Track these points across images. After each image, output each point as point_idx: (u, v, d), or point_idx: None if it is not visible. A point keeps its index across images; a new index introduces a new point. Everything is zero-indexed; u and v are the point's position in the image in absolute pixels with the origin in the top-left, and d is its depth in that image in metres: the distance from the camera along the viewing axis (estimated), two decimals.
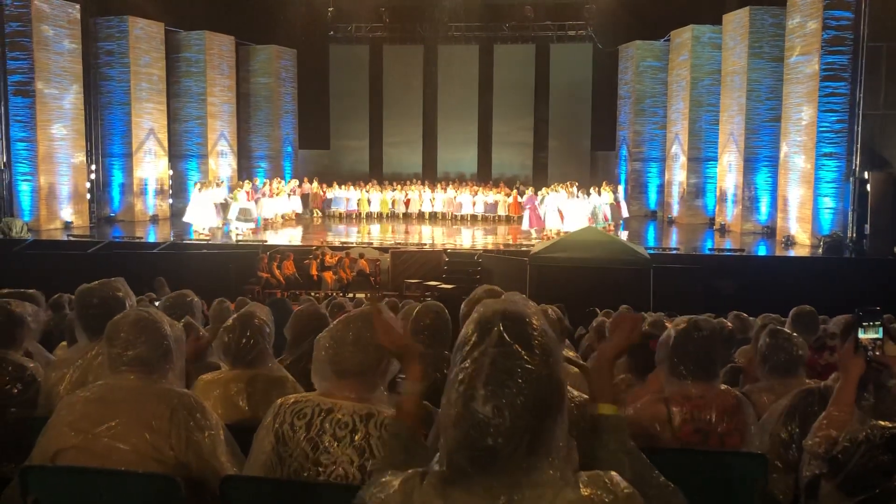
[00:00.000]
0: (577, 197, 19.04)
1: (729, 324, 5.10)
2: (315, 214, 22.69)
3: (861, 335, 2.32)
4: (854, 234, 15.80)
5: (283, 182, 22.01)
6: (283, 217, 20.91)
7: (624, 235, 18.34)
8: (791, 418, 2.68)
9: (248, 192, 19.06)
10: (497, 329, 1.30)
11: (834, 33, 16.04)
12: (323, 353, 2.11)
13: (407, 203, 22.61)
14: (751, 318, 6.77)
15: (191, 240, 17.30)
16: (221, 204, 18.50)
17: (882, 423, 2.02)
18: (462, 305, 2.81)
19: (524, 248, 16.00)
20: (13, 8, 17.92)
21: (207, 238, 17.54)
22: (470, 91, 25.33)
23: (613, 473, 1.33)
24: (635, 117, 23.02)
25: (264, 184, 20.80)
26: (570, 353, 5.19)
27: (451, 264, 15.59)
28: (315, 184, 23.00)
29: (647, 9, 21.31)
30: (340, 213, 22.60)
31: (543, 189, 19.64)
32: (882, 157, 15.81)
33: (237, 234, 18.15)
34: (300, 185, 22.68)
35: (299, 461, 2.04)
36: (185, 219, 18.46)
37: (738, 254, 16.11)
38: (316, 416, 2.05)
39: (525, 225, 19.27)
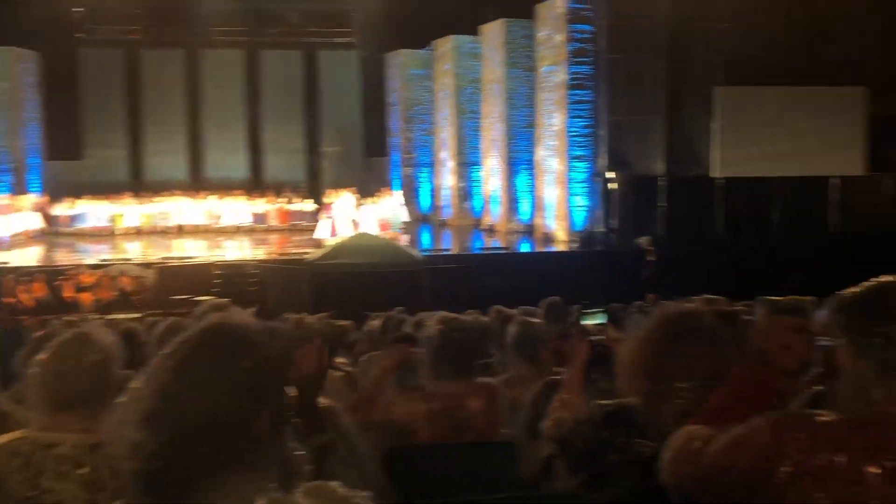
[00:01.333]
0: (367, 203, 19.15)
1: (485, 319, 5.37)
2: (50, 231, 20.57)
3: (585, 322, 2.53)
4: (604, 229, 17.33)
5: (21, 197, 19.85)
6: (24, 235, 18.89)
7: (403, 239, 18.69)
8: (535, 405, 2.86)
9: None
10: (191, 340, 1.26)
11: (578, 45, 17.44)
12: (38, 384, 1.92)
13: (167, 216, 21.29)
14: (512, 312, 7.16)
15: None
16: None
17: (602, 401, 2.21)
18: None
19: (301, 257, 15.79)
20: None
21: None
22: (237, 97, 24.55)
23: (335, 483, 1.32)
24: (405, 124, 23.59)
25: None
26: (341, 360, 5.19)
27: (224, 277, 15.03)
28: (46, 198, 20.88)
29: (410, 18, 21.90)
30: (90, 230, 20.69)
31: (331, 195, 19.44)
32: (624, 159, 17.48)
33: None
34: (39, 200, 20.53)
35: None
36: None
37: (504, 252, 17.03)
38: (34, 454, 1.87)
39: (321, 233, 18.78)
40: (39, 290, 13.57)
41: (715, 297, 6.86)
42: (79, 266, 14.54)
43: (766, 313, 4.45)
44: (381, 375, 3.14)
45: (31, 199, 20.13)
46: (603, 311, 2.60)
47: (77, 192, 21.62)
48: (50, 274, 14.17)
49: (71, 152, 23.75)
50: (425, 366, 2.91)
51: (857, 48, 17.08)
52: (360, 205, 18.95)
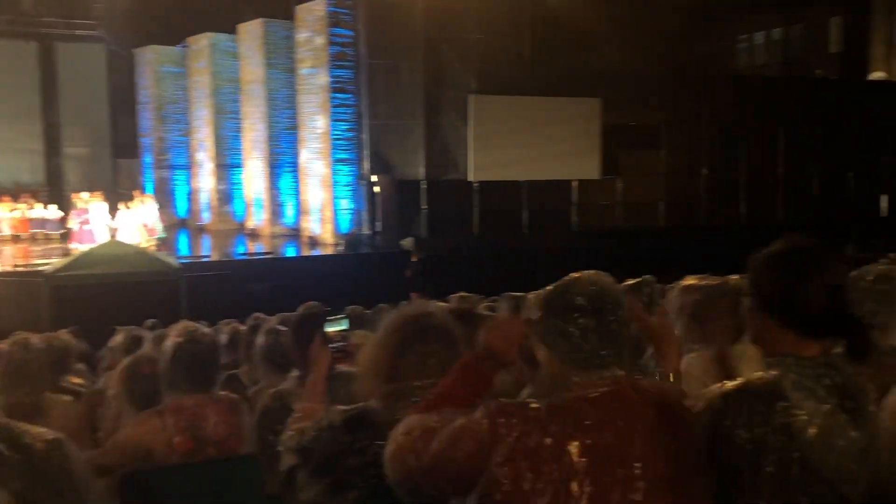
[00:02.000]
0: (126, 208, 17.75)
1: (242, 328, 5.20)
2: None
3: (328, 328, 2.51)
4: (369, 232, 17.56)
5: None
6: None
7: (154, 246, 17.62)
8: (264, 416, 2.80)
9: None
10: None
11: (339, 49, 17.50)
12: None
13: None
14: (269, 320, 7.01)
15: None
16: None
17: (341, 406, 2.21)
18: None
19: (40, 268, 14.32)
20: None
21: None
22: None
23: None
24: (158, 124, 22.27)
25: None
26: (76, 380, 4.76)
27: None
28: None
29: (161, 12, 20.72)
30: None
31: (81, 200, 17.76)
32: (386, 162, 17.82)
33: None
34: None
35: None
36: None
37: (268, 257, 16.67)
38: None
39: (75, 241, 17.02)
40: None
41: (468, 294, 7.24)
42: None
43: (509, 308, 4.75)
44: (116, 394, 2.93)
45: None
46: (346, 317, 2.60)
47: None
48: None
49: None
50: (163, 380, 2.75)
51: (593, 63, 18.82)
52: (118, 210, 17.59)
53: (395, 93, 17.74)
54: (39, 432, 2.43)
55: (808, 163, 21.05)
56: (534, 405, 1.64)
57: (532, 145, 17.73)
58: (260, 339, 3.55)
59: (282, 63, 19.02)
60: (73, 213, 17.84)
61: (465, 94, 17.81)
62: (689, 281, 3.05)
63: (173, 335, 2.77)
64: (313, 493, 2.18)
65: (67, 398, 3.39)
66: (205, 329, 2.91)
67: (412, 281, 14.98)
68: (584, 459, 1.57)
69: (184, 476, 2.58)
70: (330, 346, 2.47)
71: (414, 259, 15.60)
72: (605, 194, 19.20)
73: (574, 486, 1.56)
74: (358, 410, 2.17)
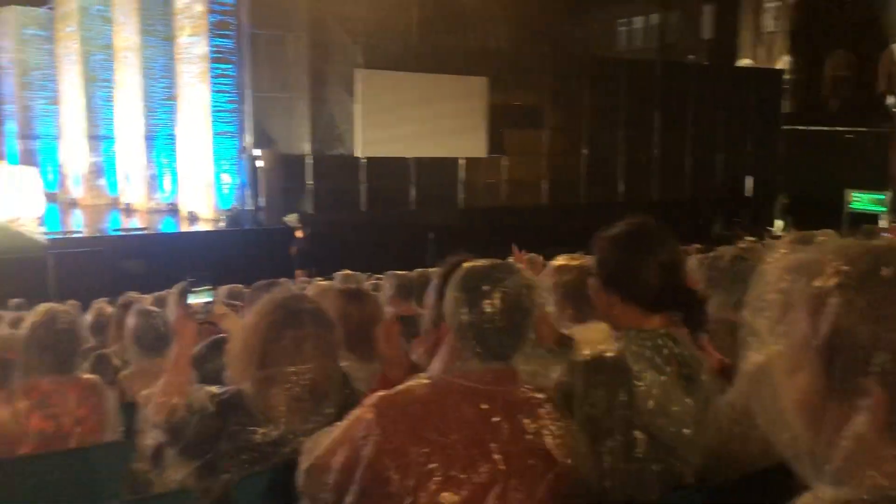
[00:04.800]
0: None
1: (109, 308, 4.99)
2: None
3: (191, 300, 2.44)
4: (252, 207, 17.11)
5: None
6: None
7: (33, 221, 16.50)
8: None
9: None
10: None
11: (220, 17, 16.86)
12: None
13: None
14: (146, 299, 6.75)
15: None
16: None
17: (214, 389, 2.16)
18: None
19: None
20: None
21: None
22: None
23: None
24: (22, 91, 20.84)
25: None
26: None
27: None
28: None
29: None
30: None
31: None
32: (269, 136, 17.36)
33: None
34: None
35: None
36: None
37: (144, 233, 16.00)
38: None
39: None
40: None
41: (353, 272, 7.19)
42: None
43: (393, 287, 4.75)
44: None
45: None
46: (210, 288, 2.54)
47: None
48: None
49: None
50: (19, 362, 2.60)
51: (479, 42, 18.95)
52: None
53: (279, 65, 17.26)
54: None
55: (680, 144, 22.06)
56: (415, 396, 1.55)
57: (420, 122, 17.68)
58: (130, 321, 3.39)
59: (159, 30, 18.19)
60: None
61: (352, 69, 17.53)
62: (562, 261, 3.13)
63: (31, 316, 2.63)
64: (182, 474, 2.12)
65: None
66: (65, 309, 2.77)
67: (297, 258, 14.75)
68: (457, 456, 1.49)
69: (45, 466, 2.45)
70: (196, 318, 2.41)
71: (299, 236, 15.35)
72: (491, 172, 19.44)
73: (444, 484, 1.48)
74: (230, 395, 2.13)
